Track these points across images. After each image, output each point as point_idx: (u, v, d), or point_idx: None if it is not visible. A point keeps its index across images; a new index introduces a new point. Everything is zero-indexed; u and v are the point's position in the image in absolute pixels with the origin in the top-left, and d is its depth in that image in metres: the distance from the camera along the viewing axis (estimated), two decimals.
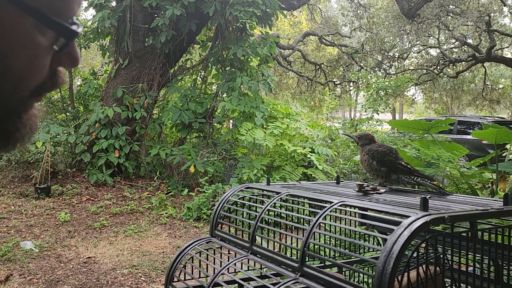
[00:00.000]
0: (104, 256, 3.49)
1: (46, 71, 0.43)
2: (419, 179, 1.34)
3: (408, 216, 0.89)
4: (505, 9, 11.14)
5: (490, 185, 3.53)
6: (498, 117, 12.09)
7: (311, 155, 5.17)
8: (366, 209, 1.28)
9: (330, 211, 1.05)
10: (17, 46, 0.40)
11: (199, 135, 6.37)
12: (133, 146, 5.89)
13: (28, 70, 0.41)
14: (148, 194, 5.37)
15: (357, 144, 1.52)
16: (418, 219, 0.86)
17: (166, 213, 4.73)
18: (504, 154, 4.41)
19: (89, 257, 3.44)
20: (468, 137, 8.49)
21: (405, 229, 0.84)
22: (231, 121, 6.62)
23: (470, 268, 1.19)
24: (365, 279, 1.59)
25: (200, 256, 1.30)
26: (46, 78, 0.44)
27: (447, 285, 1.25)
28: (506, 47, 12.86)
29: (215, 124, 6.21)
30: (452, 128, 9.10)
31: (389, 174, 1.39)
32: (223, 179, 5.63)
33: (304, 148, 5.48)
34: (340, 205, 1.08)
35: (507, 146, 4.32)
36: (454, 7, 9.99)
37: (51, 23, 0.41)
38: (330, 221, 1.08)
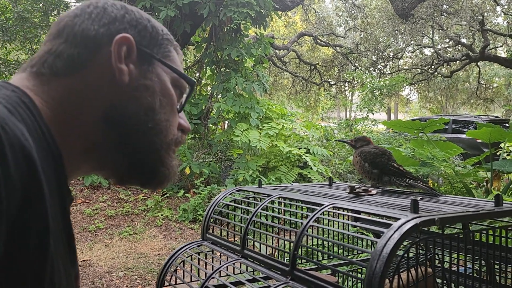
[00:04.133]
0: (99, 259, 3.46)
1: (177, 124, 0.57)
2: (411, 181, 1.33)
3: (398, 219, 0.88)
4: (498, 8, 11.21)
5: (484, 183, 3.54)
6: (492, 116, 12.16)
7: (306, 156, 5.16)
8: (357, 212, 1.27)
9: (321, 214, 1.04)
10: (166, 99, 0.54)
11: (194, 136, 6.35)
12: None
13: (171, 121, 0.55)
14: (143, 196, 5.34)
15: (355, 148, 1.51)
16: (408, 221, 0.85)
17: (161, 215, 4.71)
18: (498, 153, 4.43)
19: (84, 260, 3.42)
20: (463, 136, 8.53)
21: (395, 231, 0.84)
22: (226, 122, 6.61)
23: (462, 268, 1.19)
24: (359, 281, 1.59)
25: (191, 260, 1.29)
26: (178, 133, 0.58)
27: (439, 286, 1.24)
28: (499, 46, 12.93)
29: (210, 125, 6.20)
30: (447, 127, 9.14)
31: (381, 176, 1.38)
32: (218, 180, 5.62)
33: (299, 148, 5.48)
34: (331, 208, 1.07)
35: (501, 145, 4.34)
36: (447, 6, 10.04)
37: (183, 76, 0.57)
38: (323, 224, 1.07)
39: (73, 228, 0.50)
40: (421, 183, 1.32)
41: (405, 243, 1.16)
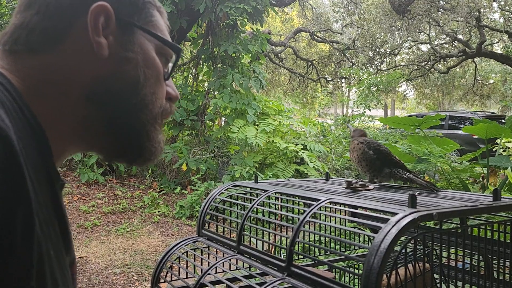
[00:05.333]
0: (96, 256, 3.44)
1: (165, 94, 0.54)
2: (411, 174, 1.32)
3: (396, 213, 0.87)
4: (495, 4, 11.22)
5: (481, 179, 3.55)
6: (489, 112, 12.20)
7: (303, 152, 5.16)
8: (354, 207, 1.26)
9: (317, 209, 1.03)
10: (150, 70, 0.51)
11: (191, 132, 6.32)
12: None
13: (157, 92, 0.52)
14: (140, 192, 5.32)
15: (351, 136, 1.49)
16: (406, 216, 0.84)
17: (158, 211, 4.69)
18: (494, 149, 4.44)
19: (80, 257, 3.40)
20: (459, 132, 8.56)
21: (392, 226, 0.83)
22: (223, 118, 6.59)
23: (460, 264, 1.18)
24: (356, 277, 1.58)
25: (187, 256, 1.28)
26: (166, 104, 0.55)
27: (437, 281, 1.24)
28: (496, 42, 12.96)
29: (207, 121, 6.17)
30: (443, 123, 9.16)
31: (382, 167, 1.34)
32: (215, 177, 5.60)
33: (296, 145, 5.47)
34: (328, 203, 1.06)
35: (498, 141, 4.35)
36: (444, 2, 10.03)
37: (168, 43, 0.53)
38: (320, 219, 1.06)
39: (67, 214, 0.48)
40: (420, 178, 1.30)
41: (402, 238, 1.15)
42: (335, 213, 1.31)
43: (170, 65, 0.56)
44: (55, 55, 0.47)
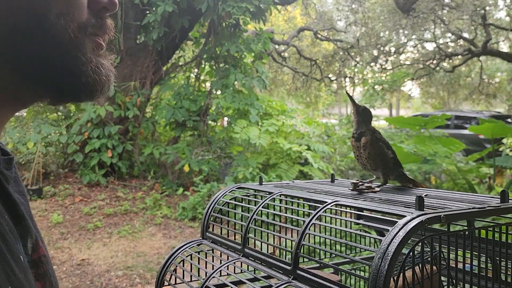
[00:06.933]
0: (98, 258, 3.44)
1: (85, 6, 0.43)
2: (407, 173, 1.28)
3: (403, 216, 0.85)
4: (501, 2, 11.14)
5: (487, 180, 3.51)
6: (495, 111, 12.10)
7: (307, 153, 5.13)
8: (360, 209, 1.24)
9: (323, 211, 1.02)
10: None
11: (193, 133, 6.31)
12: (126, 146, 5.82)
13: (64, 5, 0.41)
14: (142, 194, 5.32)
15: (356, 118, 1.21)
16: (413, 218, 0.83)
17: (160, 213, 4.69)
18: (501, 149, 4.39)
19: (82, 259, 3.40)
20: (465, 131, 8.49)
21: (400, 229, 0.81)
22: (225, 118, 6.57)
23: (467, 266, 1.16)
24: (361, 279, 1.56)
25: (191, 259, 1.27)
26: (90, 17, 0.43)
27: (444, 284, 1.22)
28: (502, 41, 12.86)
29: (210, 122, 6.16)
30: (449, 123, 9.10)
31: (395, 168, 1.25)
32: (218, 178, 5.59)
33: (300, 145, 5.44)
34: (334, 205, 1.04)
35: (504, 141, 4.30)
36: (449, 0, 9.97)
37: None
38: (325, 222, 1.04)
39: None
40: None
41: (409, 241, 1.13)
42: (340, 215, 1.29)
43: None
44: None
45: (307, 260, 1.47)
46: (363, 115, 1.17)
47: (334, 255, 1.62)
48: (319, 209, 1.03)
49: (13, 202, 0.42)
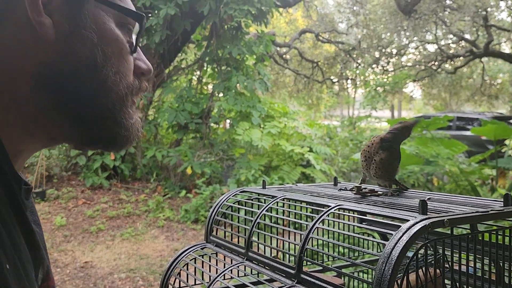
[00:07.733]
0: (101, 260, 3.45)
1: (132, 70, 0.49)
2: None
3: (407, 220, 0.86)
4: (502, 3, 11.12)
5: (490, 181, 3.50)
6: (497, 112, 12.06)
7: (309, 155, 5.13)
8: (364, 213, 1.24)
9: (327, 215, 1.02)
10: (110, 46, 0.45)
11: (196, 135, 6.32)
12: (128, 148, 5.84)
13: (120, 66, 0.46)
14: (145, 196, 5.33)
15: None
16: (417, 223, 0.83)
17: (163, 215, 4.70)
18: (503, 150, 4.38)
19: (86, 262, 3.41)
20: (467, 133, 8.47)
21: (403, 233, 0.82)
22: (227, 121, 6.58)
23: (470, 268, 1.17)
24: (364, 283, 1.56)
25: (195, 263, 1.27)
26: (134, 79, 0.49)
27: (448, 287, 1.22)
28: (503, 42, 12.83)
29: (212, 124, 6.17)
30: (451, 124, 9.08)
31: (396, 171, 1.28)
32: (220, 180, 5.59)
33: (302, 147, 5.45)
34: (337, 209, 1.05)
35: (506, 142, 4.29)
36: (451, 2, 9.97)
37: (127, 11, 0.47)
38: (328, 226, 1.05)
39: (34, 225, 0.46)
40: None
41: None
42: (343, 219, 1.29)
43: (134, 36, 0.49)
44: None
45: (310, 263, 1.48)
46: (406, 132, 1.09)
47: (337, 259, 1.62)
48: (323, 213, 1.03)
49: (31, 232, 0.43)
